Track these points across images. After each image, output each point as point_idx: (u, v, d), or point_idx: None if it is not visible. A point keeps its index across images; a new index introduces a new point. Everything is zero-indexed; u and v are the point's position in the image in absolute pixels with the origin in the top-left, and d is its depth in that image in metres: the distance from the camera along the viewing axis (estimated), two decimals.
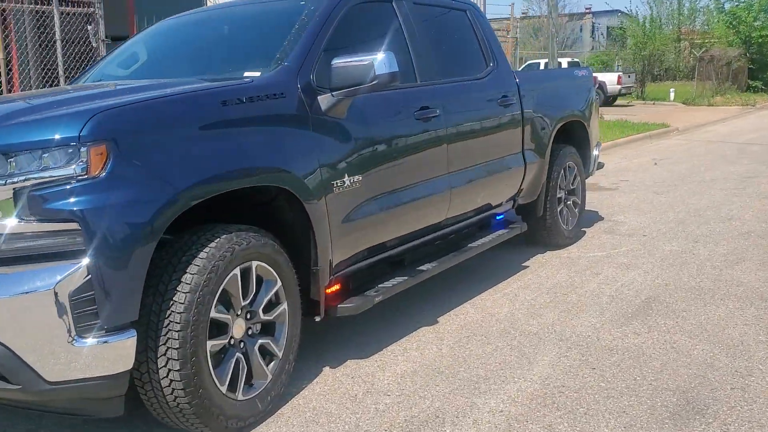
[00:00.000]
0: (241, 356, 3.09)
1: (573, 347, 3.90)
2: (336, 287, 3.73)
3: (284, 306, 3.31)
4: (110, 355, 2.60)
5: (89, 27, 8.04)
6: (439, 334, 4.17)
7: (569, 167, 6.10)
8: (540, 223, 5.87)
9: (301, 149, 3.34)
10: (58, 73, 8.33)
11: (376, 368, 3.72)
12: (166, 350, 2.75)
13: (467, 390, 3.43)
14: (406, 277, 4.12)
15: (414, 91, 4.19)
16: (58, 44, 8.15)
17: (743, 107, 24.27)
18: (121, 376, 2.66)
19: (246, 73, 3.51)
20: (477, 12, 5.23)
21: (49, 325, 2.52)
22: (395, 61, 3.50)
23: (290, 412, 3.27)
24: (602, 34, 47.62)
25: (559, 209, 5.96)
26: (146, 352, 2.77)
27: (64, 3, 8.66)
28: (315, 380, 3.60)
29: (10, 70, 10.95)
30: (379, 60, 3.44)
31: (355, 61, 3.45)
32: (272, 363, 3.26)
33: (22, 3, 9.61)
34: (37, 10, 9.59)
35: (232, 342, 3.07)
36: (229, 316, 3.01)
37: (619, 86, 25.67)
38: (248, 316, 3.16)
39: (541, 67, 23.78)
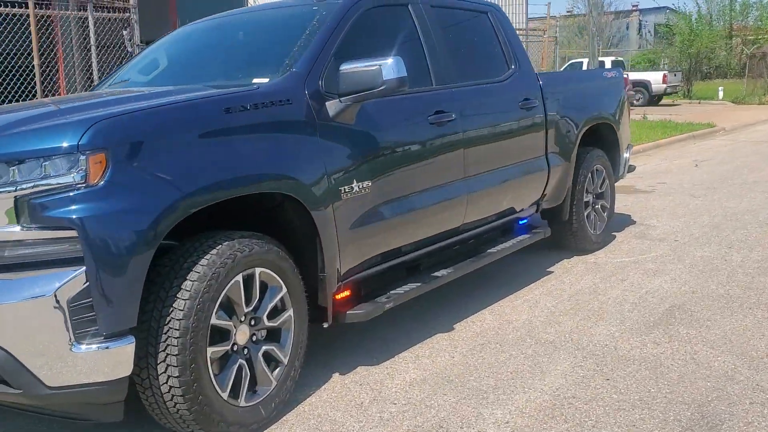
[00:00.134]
0: (244, 363, 3.09)
1: (588, 357, 3.81)
2: (346, 293, 3.71)
3: (290, 312, 3.30)
4: (109, 361, 2.63)
5: (124, 32, 8.19)
6: (454, 341, 4.12)
7: (597, 170, 5.97)
8: (566, 228, 5.77)
9: (307, 156, 3.34)
10: (93, 77, 8.50)
11: (385, 375, 3.69)
12: (166, 356, 2.77)
13: (475, 400, 3.38)
14: (419, 284, 4.09)
15: (428, 95, 4.15)
16: (93, 49, 8.32)
17: None
18: (120, 381, 2.69)
19: (255, 80, 3.52)
20: (499, 14, 5.16)
21: (48, 330, 2.56)
22: (404, 66, 3.47)
23: (295, 419, 3.27)
24: (649, 31, 46.66)
25: (586, 213, 5.84)
26: (146, 358, 2.79)
27: (101, 9, 8.84)
28: (323, 387, 3.59)
29: (57, 73, 11.27)
30: (387, 65, 3.42)
31: (363, 66, 3.43)
32: (277, 369, 3.26)
33: (68, 10, 9.87)
34: (80, 17, 9.84)
35: (235, 348, 3.08)
36: (231, 323, 3.02)
37: (664, 85, 25.11)
38: (252, 323, 3.16)
39: (584, 66, 23.40)
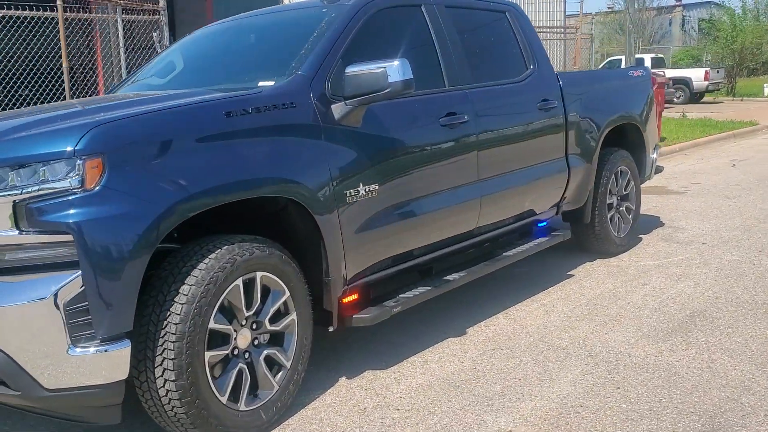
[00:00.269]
0: (245, 367, 3.09)
1: (601, 363, 3.73)
2: (353, 297, 3.69)
3: (293, 316, 3.29)
4: (105, 364, 2.65)
5: (154, 34, 8.30)
6: (465, 345, 4.06)
7: (621, 172, 5.84)
8: (588, 231, 5.66)
9: (311, 159, 3.32)
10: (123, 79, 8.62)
11: (392, 380, 3.66)
12: (163, 360, 2.78)
13: (479, 407, 3.32)
14: (429, 288, 4.04)
15: (440, 97, 4.10)
16: (121, 51, 8.46)
17: None
18: (117, 385, 2.70)
19: (261, 83, 3.52)
20: (517, 13, 5.07)
21: (45, 333, 2.59)
22: (409, 69, 3.42)
23: (296, 423, 3.26)
24: (693, 27, 45.64)
25: (609, 216, 5.72)
26: (145, 361, 2.81)
27: (132, 12, 8.97)
28: (329, 390, 3.57)
29: (96, 75, 11.50)
30: (393, 67, 3.38)
31: (368, 69, 3.40)
32: (280, 373, 3.26)
33: (107, 13, 10.05)
34: (128, 20, 10.02)
35: (235, 352, 3.08)
36: (230, 327, 3.02)
37: (706, 82, 24.52)
38: (254, 327, 3.16)
39: (623, 64, 23.00)
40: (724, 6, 33.85)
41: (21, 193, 2.61)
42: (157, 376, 2.80)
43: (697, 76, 24.65)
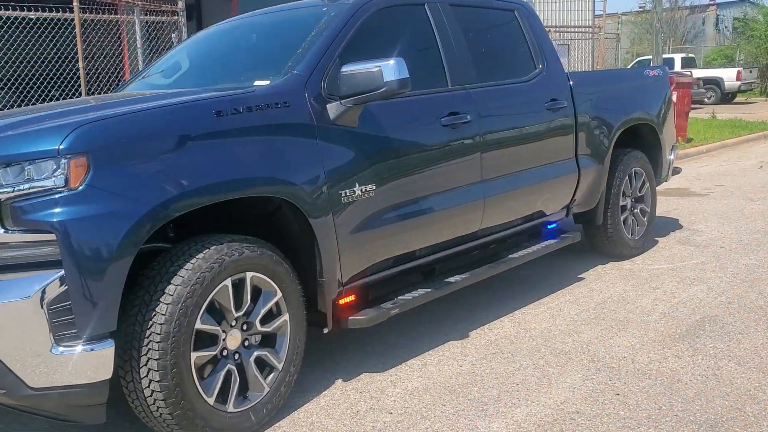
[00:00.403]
0: (234, 368, 3.07)
1: (602, 369, 3.64)
2: (350, 298, 3.65)
3: (285, 317, 3.27)
4: (88, 363, 2.65)
5: (173, 35, 8.36)
6: (465, 348, 4.00)
7: (636, 173, 5.72)
8: (600, 233, 5.55)
9: (304, 159, 3.29)
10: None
11: (388, 383, 3.61)
12: (147, 360, 2.77)
13: (473, 412, 3.26)
14: (429, 289, 3.98)
15: (441, 97, 4.05)
16: (139, 52, 8.53)
17: None
18: (100, 385, 2.70)
19: (257, 82, 3.50)
20: (526, 11, 4.99)
21: (29, 332, 2.60)
22: (405, 68, 3.37)
23: (287, 425, 3.23)
24: (726, 27, 44.78)
25: (623, 218, 5.61)
26: (130, 361, 2.81)
27: (151, 13, 9.05)
28: (323, 393, 3.54)
29: (123, 76, 11.64)
30: (389, 67, 3.34)
31: (363, 68, 3.36)
32: (271, 375, 3.23)
33: (133, 15, 10.17)
34: (145, 21, 10.12)
35: (225, 353, 3.06)
36: (218, 328, 3.00)
37: (738, 82, 24.05)
38: (244, 328, 3.14)
39: (652, 64, 22.64)
40: (758, 5, 33.19)
41: (7, 192, 2.61)
42: (142, 376, 2.79)
43: (728, 76, 24.19)
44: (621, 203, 5.56)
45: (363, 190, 3.52)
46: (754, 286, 4.86)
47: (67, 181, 2.61)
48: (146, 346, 2.77)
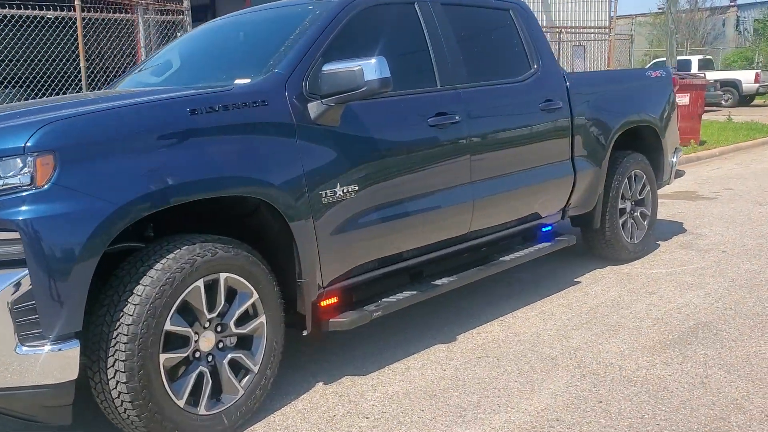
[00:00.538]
0: (206, 370, 3.03)
1: (588, 375, 3.56)
2: (332, 300, 3.60)
3: (261, 319, 3.22)
4: (53, 364, 2.62)
5: (179, 34, 8.36)
6: (451, 352, 3.94)
7: (636, 176, 5.62)
8: (598, 236, 5.46)
9: (282, 158, 3.24)
10: None
11: (368, 387, 3.56)
12: (114, 362, 2.74)
13: (450, 417, 3.20)
14: (415, 292, 3.93)
15: (428, 97, 3.99)
16: (142, 51, 8.53)
17: None
18: (66, 385, 2.66)
19: (237, 80, 3.46)
20: (522, 11, 4.91)
21: None
22: (387, 67, 3.32)
23: (261, 429, 3.19)
24: (747, 28, 44.23)
25: (622, 221, 5.51)
26: (98, 362, 2.77)
27: (159, 12, 9.06)
28: (302, 396, 3.49)
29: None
30: (369, 66, 3.28)
31: (345, 67, 3.31)
32: (246, 378, 3.19)
33: (147, 14, 10.19)
34: (160, 20, 10.15)
35: (197, 355, 3.02)
36: (189, 329, 2.96)
37: (756, 85, 23.70)
38: (218, 329, 3.10)
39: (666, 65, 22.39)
40: None
41: None
42: (109, 377, 2.76)
43: (746, 78, 23.86)
44: (620, 206, 5.47)
45: (345, 191, 3.47)
46: (753, 291, 4.75)
47: (32, 179, 2.58)
48: (113, 347, 2.73)
